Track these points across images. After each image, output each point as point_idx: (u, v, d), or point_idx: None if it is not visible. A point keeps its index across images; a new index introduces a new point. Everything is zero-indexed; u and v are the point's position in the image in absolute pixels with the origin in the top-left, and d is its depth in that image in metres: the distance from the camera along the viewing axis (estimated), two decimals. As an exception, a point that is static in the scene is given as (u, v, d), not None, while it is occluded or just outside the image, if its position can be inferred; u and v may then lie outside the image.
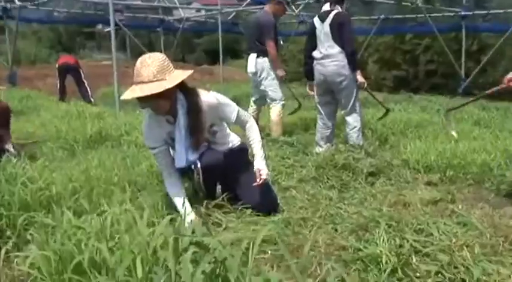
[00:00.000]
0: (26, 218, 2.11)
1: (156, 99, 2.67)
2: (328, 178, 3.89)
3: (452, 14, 11.30)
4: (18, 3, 11.06)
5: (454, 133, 5.07)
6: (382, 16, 11.76)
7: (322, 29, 4.86)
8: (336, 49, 4.80)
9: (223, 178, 3.01)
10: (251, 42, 5.84)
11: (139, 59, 2.71)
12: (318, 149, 5.02)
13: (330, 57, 4.84)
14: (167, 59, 2.77)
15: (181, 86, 2.82)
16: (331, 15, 4.80)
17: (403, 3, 9.27)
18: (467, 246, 2.34)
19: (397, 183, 3.91)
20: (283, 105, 5.88)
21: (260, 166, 3.04)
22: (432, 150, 4.50)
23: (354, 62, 4.83)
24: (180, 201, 2.83)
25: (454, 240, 2.39)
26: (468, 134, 5.39)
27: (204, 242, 1.34)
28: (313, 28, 5.03)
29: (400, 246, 2.36)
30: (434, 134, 5.38)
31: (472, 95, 9.26)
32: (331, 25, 4.78)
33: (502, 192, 3.71)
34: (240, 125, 3.18)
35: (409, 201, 3.36)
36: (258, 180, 2.99)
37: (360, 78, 4.88)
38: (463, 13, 11.04)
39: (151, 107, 2.83)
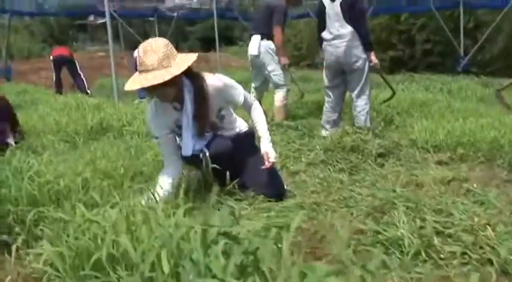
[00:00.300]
0: (36, 213, 2.02)
1: (162, 87, 2.57)
2: (337, 161, 3.81)
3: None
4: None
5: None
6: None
7: (332, 8, 4.71)
8: (347, 29, 4.65)
9: (232, 164, 2.92)
10: (257, 23, 5.69)
11: (141, 47, 2.60)
12: (323, 132, 4.93)
13: (341, 38, 4.70)
14: (170, 44, 2.66)
15: (186, 71, 2.69)
16: None
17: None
18: (489, 225, 2.27)
19: (407, 164, 3.84)
20: (288, 90, 5.79)
21: (268, 149, 2.98)
22: (440, 129, 4.43)
23: (369, 42, 4.72)
24: (160, 191, 2.62)
25: (476, 219, 2.32)
26: (474, 111, 5.33)
27: (232, 232, 1.27)
28: (322, 8, 4.86)
29: (421, 227, 2.29)
30: (440, 113, 5.32)
31: (471, 73, 9.20)
32: (341, 4, 4.64)
33: (514, 169, 3.65)
34: (245, 107, 3.11)
35: (421, 181, 3.30)
36: (266, 163, 2.93)
37: (374, 59, 4.77)
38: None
39: (157, 95, 2.74)
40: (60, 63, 10.50)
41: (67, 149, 4.39)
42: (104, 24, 34.93)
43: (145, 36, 15.80)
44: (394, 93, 5.52)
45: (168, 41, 2.67)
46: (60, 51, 10.69)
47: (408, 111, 5.59)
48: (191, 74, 2.78)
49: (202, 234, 1.24)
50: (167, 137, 2.90)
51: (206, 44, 23.46)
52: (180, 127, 2.84)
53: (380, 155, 3.95)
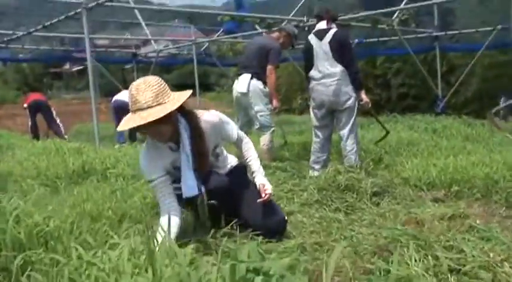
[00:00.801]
0: (23, 257, 1.84)
1: (157, 125, 2.45)
2: (332, 200, 3.71)
3: (424, 35, 11.45)
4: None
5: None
6: (356, 41, 11.82)
7: (321, 47, 4.70)
8: (338, 67, 4.63)
9: (230, 200, 2.79)
10: (248, 62, 5.57)
11: (133, 86, 2.50)
12: (312, 173, 4.83)
13: (331, 76, 4.66)
14: (162, 81, 2.56)
15: (181, 109, 2.61)
16: (330, 33, 4.66)
17: (379, 26, 9.32)
18: (506, 261, 2.17)
19: (403, 202, 3.76)
20: (273, 132, 5.70)
21: (263, 181, 2.91)
22: (432, 167, 4.39)
23: (359, 81, 4.71)
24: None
25: (491, 255, 2.21)
26: (461, 149, 5.31)
27: (263, 268, 1.14)
28: (309, 47, 4.84)
29: (435, 265, 2.18)
30: (428, 151, 5.30)
31: (451, 114, 9.32)
32: (330, 43, 4.63)
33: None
34: (238, 143, 3.03)
35: (421, 219, 3.20)
36: (263, 195, 2.83)
37: (364, 97, 4.75)
38: (435, 34, 11.20)
39: (152, 134, 2.62)
40: (36, 109, 10.31)
41: (48, 193, 4.17)
42: (79, 72, 34.74)
43: (124, 82, 15.78)
44: (387, 132, 5.49)
45: (160, 78, 2.57)
46: (35, 96, 10.52)
47: (396, 150, 5.55)
48: (186, 112, 2.69)
49: (231, 270, 1.11)
50: (163, 180, 2.72)
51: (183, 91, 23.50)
52: (177, 168, 2.69)
53: (375, 194, 3.86)
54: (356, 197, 3.77)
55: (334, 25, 4.78)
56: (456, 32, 12.20)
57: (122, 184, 4.12)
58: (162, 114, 2.37)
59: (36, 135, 10.22)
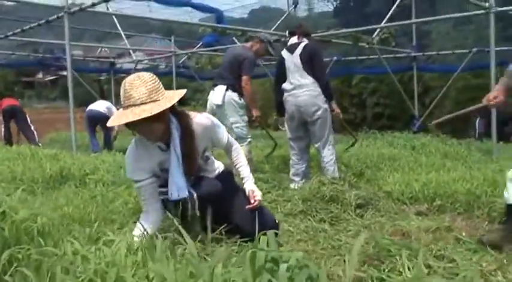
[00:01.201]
0: (9, 254, 1.74)
1: (150, 123, 2.40)
2: (316, 211, 3.69)
3: (403, 54, 11.67)
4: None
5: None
6: (335, 58, 11.95)
7: (292, 60, 4.77)
8: (308, 79, 4.70)
9: (220, 205, 2.73)
10: (223, 73, 5.49)
11: (126, 81, 2.45)
12: (293, 185, 4.83)
13: (302, 87, 4.72)
14: (157, 78, 2.52)
15: (173, 109, 2.58)
16: (300, 46, 4.75)
17: (360, 44, 9.45)
18: (499, 271, 2.17)
19: (387, 214, 3.76)
20: (250, 143, 5.63)
21: (253, 187, 2.89)
22: (414, 182, 4.41)
23: (329, 92, 4.76)
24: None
25: (484, 264, 2.21)
26: (441, 166, 5.37)
27: (282, 256, 1.10)
28: (281, 60, 4.93)
29: (428, 273, 2.17)
30: (409, 167, 5.34)
31: (424, 133, 9.47)
32: (301, 55, 4.72)
33: (494, 219, 3.61)
34: (227, 147, 3.00)
35: (407, 230, 3.21)
36: (252, 201, 2.81)
37: (335, 107, 4.83)
38: (413, 54, 11.42)
39: (143, 131, 2.55)
40: (11, 113, 10.04)
41: (25, 197, 4.03)
42: (52, 81, 34.16)
43: (101, 93, 15.61)
44: (356, 140, 5.54)
45: (154, 75, 2.52)
46: (9, 102, 10.26)
47: (377, 165, 5.57)
48: (177, 112, 2.65)
49: (251, 258, 1.06)
50: (149, 182, 2.67)
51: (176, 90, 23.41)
52: (165, 170, 2.64)
53: (359, 206, 3.85)
54: (340, 208, 3.76)
55: (305, 39, 4.85)
56: (434, 53, 12.48)
57: (102, 190, 4.02)
58: (156, 111, 2.32)
59: (9, 142, 9.95)
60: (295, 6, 11.71)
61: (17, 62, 14.48)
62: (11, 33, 8.88)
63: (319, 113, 4.70)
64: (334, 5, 23.38)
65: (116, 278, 1.26)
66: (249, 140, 5.57)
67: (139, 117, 2.31)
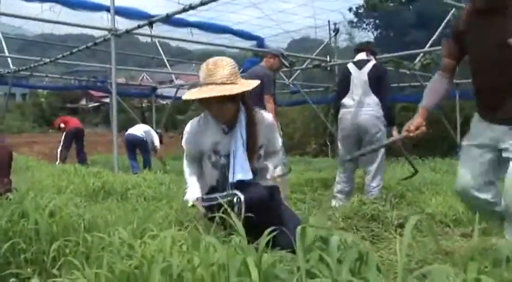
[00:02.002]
0: (57, 247, 1.78)
1: (225, 103, 2.59)
2: (357, 229, 3.63)
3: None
4: (12, 67, 10.91)
5: None
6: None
7: (359, 76, 4.70)
8: (372, 99, 4.61)
9: (264, 217, 2.70)
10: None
11: (210, 61, 2.64)
12: (334, 202, 4.75)
13: (364, 106, 4.63)
14: (236, 64, 2.72)
15: (243, 98, 2.74)
16: (369, 65, 4.69)
17: (401, 70, 9.39)
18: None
19: (429, 235, 3.65)
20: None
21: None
22: (458, 204, 4.29)
23: (392, 116, 4.67)
24: (194, 177, 2.87)
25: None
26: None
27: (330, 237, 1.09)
28: (347, 74, 4.86)
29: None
30: (452, 191, 5.19)
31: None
32: (369, 74, 4.64)
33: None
34: (275, 154, 3.00)
35: (451, 250, 3.11)
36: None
37: (396, 133, 4.61)
38: (455, 81, 11.28)
39: (215, 111, 2.69)
40: (76, 135, 10.29)
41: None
42: (94, 108, 35.07)
43: (142, 119, 15.90)
44: (416, 171, 5.37)
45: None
46: (76, 123, 10.57)
47: (418, 189, 5.46)
48: (246, 102, 2.78)
49: (301, 234, 1.06)
50: (196, 156, 2.88)
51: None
52: (216, 152, 2.76)
53: (400, 226, 3.77)
54: (382, 227, 3.69)
55: (373, 58, 4.82)
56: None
57: (143, 204, 4.07)
58: (235, 92, 2.51)
59: (64, 162, 10.17)
60: (336, 34, 11.78)
61: (63, 86, 14.97)
62: (60, 56, 9.21)
63: (378, 135, 4.60)
64: (375, 34, 23.34)
65: (163, 261, 1.27)
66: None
67: (220, 94, 2.49)
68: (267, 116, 2.87)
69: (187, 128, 2.87)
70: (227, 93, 2.49)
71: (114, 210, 3.63)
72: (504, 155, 2.58)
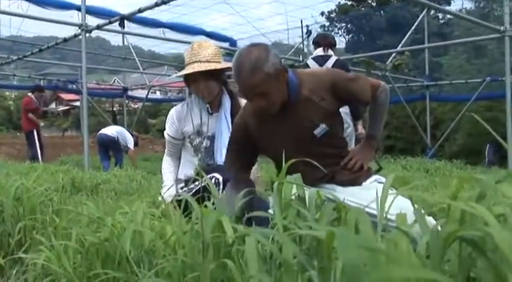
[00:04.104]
0: (27, 226, 1.71)
1: (210, 81, 2.74)
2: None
3: (416, 84, 11.74)
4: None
5: None
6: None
7: None
8: None
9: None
10: None
11: (195, 42, 2.86)
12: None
13: None
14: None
15: (225, 84, 2.91)
16: (332, 60, 4.66)
17: (372, 72, 9.48)
18: None
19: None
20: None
21: None
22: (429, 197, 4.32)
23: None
24: (171, 175, 2.95)
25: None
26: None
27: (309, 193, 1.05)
28: None
29: None
30: (423, 187, 5.24)
31: (438, 159, 9.41)
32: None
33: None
34: None
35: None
36: None
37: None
38: (426, 83, 11.46)
39: (201, 88, 2.79)
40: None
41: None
42: (64, 112, 34.44)
43: (114, 121, 15.72)
44: (380, 168, 5.41)
45: None
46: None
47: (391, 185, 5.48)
48: (228, 88, 2.95)
49: (278, 193, 1.03)
50: (179, 142, 2.95)
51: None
52: (200, 133, 2.85)
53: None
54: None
55: (331, 52, 4.80)
56: (447, 82, 12.49)
57: (114, 197, 3.99)
58: (219, 67, 2.71)
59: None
60: (308, 37, 11.85)
61: (32, 85, 14.64)
62: (29, 53, 9.01)
63: (348, 130, 4.57)
64: (347, 39, 23.59)
65: (134, 232, 1.23)
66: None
67: (206, 69, 2.67)
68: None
69: (171, 111, 2.98)
70: (213, 67, 2.68)
71: (84, 202, 3.54)
72: None
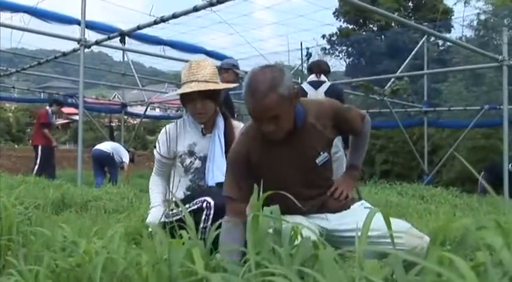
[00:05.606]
0: (2, 247, 1.65)
1: (207, 101, 2.69)
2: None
3: (415, 109, 11.75)
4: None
5: None
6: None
7: (316, 95, 4.69)
8: None
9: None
10: None
11: (193, 61, 2.83)
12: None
13: None
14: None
15: (220, 106, 2.88)
16: (326, 84, 4.72)
17: (371, 96, 9.49)
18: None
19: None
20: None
21: None
22: (424, 227, 4.28)
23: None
24: (158, 196, 2.87)
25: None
26: (451, 215, 5.24)
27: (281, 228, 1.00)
28: (303, 95, 4.84)
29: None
30: (418, 214, 5.20)
31: (434, 186, 9.36)
32: (326, 94, 4.66)
33: None
34: None
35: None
36: None
37: None
38: (424, 109, 11.47)
39: (198, 108, 2.72)
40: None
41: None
42: (63, 125, 34.35)
43: (111, 136, 15.69)
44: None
45: None
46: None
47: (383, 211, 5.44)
48: (222, 110, 2.91)
49: (252, 226, 0.98)
50: (169, 162, 2.86)
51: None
52: (192, 154, 2.77)
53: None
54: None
55: (325, 78, 4.83)
56: (445, 108, 12.52)
57: (103, 216, 3.94)
58: (218, 87, 2.71)
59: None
60: (308, 59, 11.90)
61: (31, 98, 14.66)
62: (27, 66, 9.02)
63: (338, 155, 4.53)
64: (347, 62, 23.72)
65: (106, 258, 1.18)
66: None
67: (205, 89, 2.63)
68: (237, 124, 2.90)
69: (163, 130, 2.91)
70: (211, 87, 2.63)
71: (71, 221, 3.48)
72: None
